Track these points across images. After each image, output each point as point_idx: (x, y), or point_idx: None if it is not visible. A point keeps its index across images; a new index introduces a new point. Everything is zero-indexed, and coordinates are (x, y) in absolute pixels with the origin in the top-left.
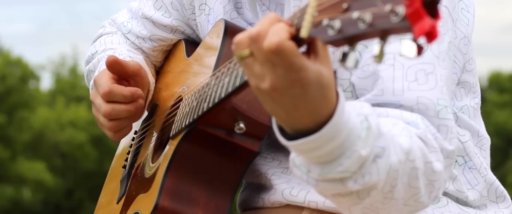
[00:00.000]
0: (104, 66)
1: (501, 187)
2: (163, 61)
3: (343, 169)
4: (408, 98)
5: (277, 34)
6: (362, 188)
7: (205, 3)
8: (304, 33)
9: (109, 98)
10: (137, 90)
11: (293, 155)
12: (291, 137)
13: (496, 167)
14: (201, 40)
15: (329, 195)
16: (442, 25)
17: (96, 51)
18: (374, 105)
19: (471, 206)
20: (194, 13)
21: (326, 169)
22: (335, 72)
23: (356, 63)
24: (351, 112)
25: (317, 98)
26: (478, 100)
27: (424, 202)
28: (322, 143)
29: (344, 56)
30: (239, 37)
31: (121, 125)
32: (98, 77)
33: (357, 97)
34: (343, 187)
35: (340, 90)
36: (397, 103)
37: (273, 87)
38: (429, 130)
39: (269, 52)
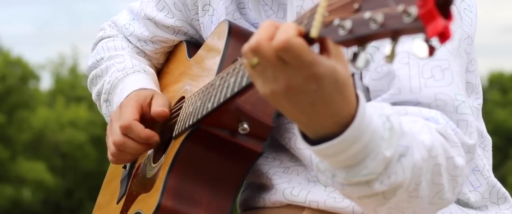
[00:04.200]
0: (131, 89)
1: (503, 189)
2: (164, 62)
3: (369, 172)
4: (426, 95)
5: (284, 32)
6: (388, 188)
7: (209, 4)
8: (314, 33)
9: (125, 132)
10: (154, 137)
11: (317, 160)
12: (315, 143)
13: (496, 167)
14: (204, 41)
15: (355, 197)
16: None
17: (102, 58)
18: (391, 104)
19: (472, 207)
20: (198, 14)
21: (352, 172)
22: (352, 74)
23: (367, 63)
24: (373, 113)
25: (334, 95)
26: (480, 101)
27: (448, 198)
28: (346, 146)
29: (355, 56)
30: (245, 47)
31: (125, 157)
32: (125, 103)
33: (369, 99)
34: (369, 189)
35: (360, 92)
36: (415, 101)
37: (288, 86)
38: (449, 125)
39: (278, 50)
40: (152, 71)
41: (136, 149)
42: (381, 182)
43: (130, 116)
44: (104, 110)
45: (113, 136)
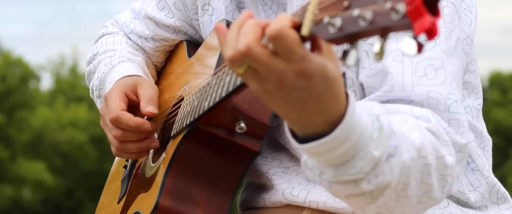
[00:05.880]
0: (116, 78)
1: (503, 189)
2: (165, 62)
3: (357, 171)
4: (418, 93)
5: (279, 22)
6: (376, 188)
7: (208, 3)
8: (305, 30)
9: (116, 125)
10: (144, 124)
11: (305, 157)
12: (304, 141)
13: (496, 167)
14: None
15: (342, 195)
16: (450, 22)
17: (97, 52)
18: (384, 102)
19: (472, 208)
20: (197, 13)
21: (340, 170)
22: (343, 74)
23: (357, 61)
24: (363, 113)
25: (324, 93)
26: (480, 101)
27: (437, 198)
28: (335, 145)
29: (345, 54)
30: (230, 55)
31: (129, 148)
32: (109, 94)
33: (362, 97)
34: (357, 188)
35: (350, 91)
36: (407, 99)
37: (280, 82)
38: (440, 124)
39: (271, 38)
40: (139, 59)
41: (135, 136)
42: (368, 181)
43: (116, 107)
44: (99, 105)
45: (111, 131)
